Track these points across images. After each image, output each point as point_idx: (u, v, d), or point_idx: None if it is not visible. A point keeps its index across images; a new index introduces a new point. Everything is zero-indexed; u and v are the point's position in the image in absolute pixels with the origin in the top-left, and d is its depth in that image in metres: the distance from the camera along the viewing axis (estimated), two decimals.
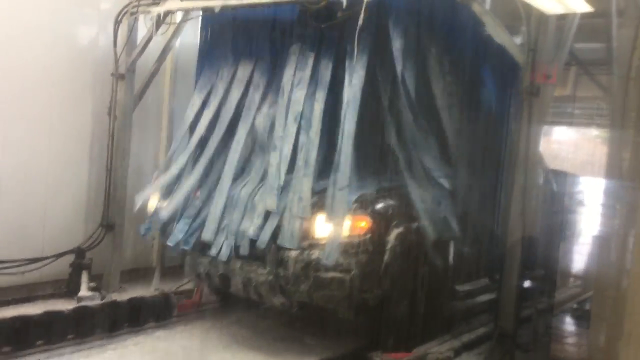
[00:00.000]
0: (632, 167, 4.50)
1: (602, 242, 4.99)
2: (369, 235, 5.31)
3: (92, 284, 6.62)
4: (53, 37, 6.80)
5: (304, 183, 5.47)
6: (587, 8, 5.28)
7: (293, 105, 5.81)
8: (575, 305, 8.18)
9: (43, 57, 6.71)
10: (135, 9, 6.96)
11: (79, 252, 6.81)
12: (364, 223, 5.33)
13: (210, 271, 5.89)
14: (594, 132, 13.45)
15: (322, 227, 5.35)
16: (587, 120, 12.13)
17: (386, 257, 5.37)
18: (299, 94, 5.80)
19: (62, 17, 6.90)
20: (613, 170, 5.56)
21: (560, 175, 7.49)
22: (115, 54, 7.06)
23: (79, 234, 7.06)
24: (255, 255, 5.49)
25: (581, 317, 7.67)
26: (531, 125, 5.50)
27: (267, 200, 5.53)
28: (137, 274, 7.58)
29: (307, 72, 5.83)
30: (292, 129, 5.74)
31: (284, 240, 5.36)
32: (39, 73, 6.68)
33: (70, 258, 6.80)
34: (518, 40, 5.80)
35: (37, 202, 6.74)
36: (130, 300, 6.48)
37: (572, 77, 10.19)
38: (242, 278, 5.63)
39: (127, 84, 7.14)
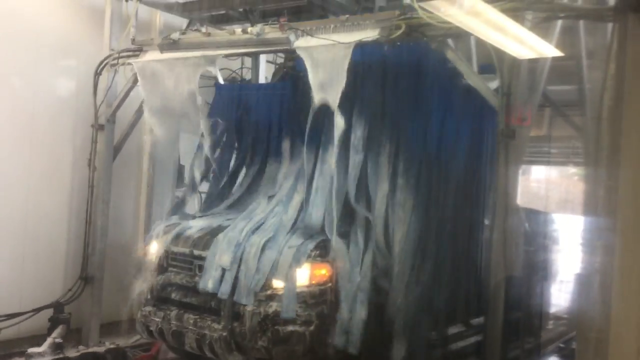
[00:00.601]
0: (606, 205, 4.56)
1: (582, 281, 5.01)
2: (329, 284, 5.08)
3: (59, 340, 6.40)
4: (33, 88, 6.84)
5: (266, 255, 5.28)
6: (558, 52, 5.43)
7: (279, 192, 6.09)
8: (561, 345, 8.16)
9: (23, 109, 6.73)
10: (115, 61, 7.03)
11: (58, 306, 6.69)
12: (324, 271, 5.10)
13: (163, 327, 5.54)
14: (571, 170, 13.66)
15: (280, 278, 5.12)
16: (563, 158, 12.32)
17: (349, 306, 5.07)
18: (286, 185, 6.06)
19: (43, 69, 6.95)
20: (589, 208, 5.63)
21: (532, 214, 7.51)
22: (95, 105, 7.10)
23: (57, 288, 6.95)
24: (210, 309, 5.27)
25: (568, 357, 7.64)
26: (508, 166, 5.57)
27: (223, 256, 5.37)
28: (119, 326, 7.44)
29: (296, 165, 6.10)
30: (268, 206, 5.95)
31: (240, 296, 5.16)
32: (18, 124, 6.68)
33: (49, 312, 6.67)
34: (493, 84, 5.93)
35: (15, 254, 6.65)
36: (82, 355, 6.19)
37: (546, 118, 10.40)
38: (196, 334, 5.29)
39: (107, 135, 7.17)
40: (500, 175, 5.63)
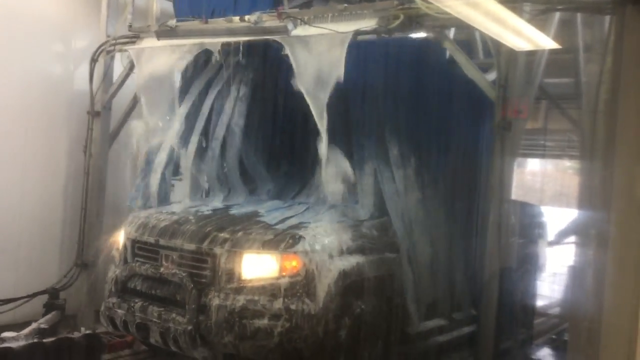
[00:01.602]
0: (601, 197, 4.58)
1: (576, 272, 5.05)
2: (299, 277, 4.77)
3: (44, 326, 6.27)
4: (29, 74, 6.81)
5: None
6: (555, 45, 5.44)
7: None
8: (553, 336, 8.22)
9: (18, 95, 6.70)
10: (111, 48, 7.01)
11: (53, 292, 6.70)
12: (295, 263, 4.81)
13: (127, 320, 5.28)
14: (566, 163, 13.69)
15: (249, 269, 4.91)
16: (559, 151, 12.35)
17: (322, 300, 4.79)
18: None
19: (38, 55, 6.91)
20: (584, 200, 5.66)
21: (522, 207, 7.49)
22: (92, 91, 7.08)
23: (53, 274, 6.95)
24: (175, 302, 5.05)
25: (559, 348, 7.71)
26: (503, 159, 5.59)
27: None
28: None
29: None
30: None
31: None
32: (13, 111, 6.65)
33: (45, 298, 6.68)
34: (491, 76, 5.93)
35: (10, 241, 6.64)
36: (57, 340, 5.89)
37: (543, 110, 10.42)
38: (160, 328, 5.02)
39: (103, 122, 7.16)
40: (496, 168, 5.66)
